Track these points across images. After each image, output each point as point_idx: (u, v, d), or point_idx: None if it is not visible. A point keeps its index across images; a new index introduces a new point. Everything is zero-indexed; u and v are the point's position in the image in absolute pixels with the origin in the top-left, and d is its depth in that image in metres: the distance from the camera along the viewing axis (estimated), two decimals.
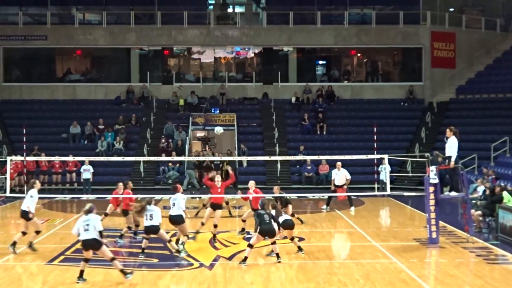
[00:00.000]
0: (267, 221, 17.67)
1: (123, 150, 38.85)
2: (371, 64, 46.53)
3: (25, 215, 19.47)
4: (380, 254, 18.93)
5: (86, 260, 15.93)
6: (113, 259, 15.88)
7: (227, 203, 26.31)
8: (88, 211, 15.77)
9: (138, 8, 45.03)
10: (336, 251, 20.75)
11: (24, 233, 19.57)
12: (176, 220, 19.22)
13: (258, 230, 17.62)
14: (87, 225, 15.62)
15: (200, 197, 32.22)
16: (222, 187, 21.63)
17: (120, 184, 21.89)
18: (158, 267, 17.55)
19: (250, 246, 17.66)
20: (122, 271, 15.84)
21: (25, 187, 28.15)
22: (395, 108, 43.21)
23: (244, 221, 22.28)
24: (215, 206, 21.28)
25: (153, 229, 18.28)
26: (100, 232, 15.75)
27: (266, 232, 17.64)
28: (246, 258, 17.61)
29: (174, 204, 19.37)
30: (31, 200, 19.48)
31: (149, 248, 18.83)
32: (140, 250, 18.61)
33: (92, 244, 15.71)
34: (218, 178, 22.05)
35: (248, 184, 22.10)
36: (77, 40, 44.16)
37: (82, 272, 15.88)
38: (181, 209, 19.23)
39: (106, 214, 22.14)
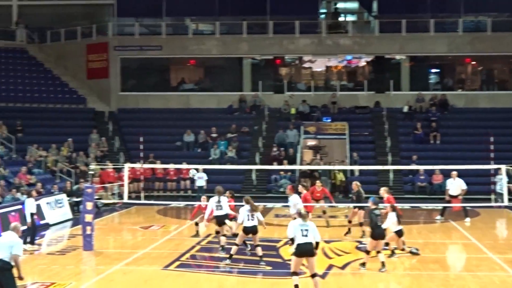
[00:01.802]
0: (379, 223, 17.68)
1: (236, 158, 39.26)
2: (486, 72, 45.47)
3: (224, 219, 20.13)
4: (498, 267, 18.46)
5: (296, 274, 15.20)
6: (314, 275, 15.17)
7: (324, 212, 26.15)
8: (304, 216, 15.47)
9: (250, 18, 45.49)
10: (451, 263, 20.39)
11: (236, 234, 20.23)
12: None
13: (370, 235, 17.72)
14: (306, 230, 15.14)
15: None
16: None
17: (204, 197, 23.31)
18: (271, 274, 17.65)
19: (367, 252, 17.87)
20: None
21: (142, 194, 28.95)
22: (511, 118, 41.95)
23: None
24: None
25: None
26: (317, 243, 15.34)
27: (378, 235, 17.63)
28: (364, 263, 17.86)
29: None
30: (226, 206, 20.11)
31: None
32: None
33: (310, 251, 15.03)
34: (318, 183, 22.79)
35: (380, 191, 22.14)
36: (191, 50, 45.02)
37: (296, 286, 15.12)
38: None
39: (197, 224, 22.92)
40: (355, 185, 23.42)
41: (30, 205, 21.61)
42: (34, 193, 23.00)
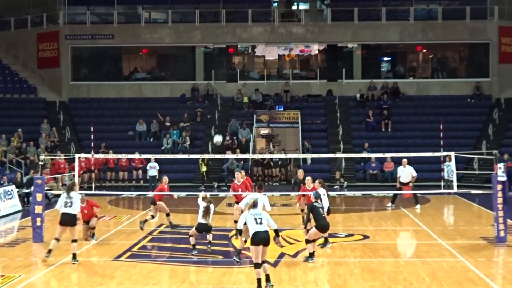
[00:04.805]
0: (323, 215, 17.26)
1: (188, 147, 39.14)
2: (437, 60, 46.00)
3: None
4: (447, 253, 18.68)
5: (259, 266, 14.59)
6: (264, 261, 14.83)
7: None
8: (253, 206, 15.31)
9: (203, 6, 45.35)
10: (402, 249, 20.55)
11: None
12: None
13: (316, 226, 17.15)
14: (260, 218, 14.91)
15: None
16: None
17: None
18: (223, 264, 17.63)
19: (308, 241, 17.36)
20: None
21: (93, 184, 28.71)
22: (461, 105, 42.55)
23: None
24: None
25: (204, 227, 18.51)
26: (276, 231, 15.33)
27: (324, 227, 17.20)
28: (313, 253, 17.43)
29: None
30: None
31: (214, 245, 18.96)
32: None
33: (267, 239, 14.65)
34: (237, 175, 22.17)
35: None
36: (143, 39, 44.75)
37: (259, 280, 14.62)
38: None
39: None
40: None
41: None
42: None
